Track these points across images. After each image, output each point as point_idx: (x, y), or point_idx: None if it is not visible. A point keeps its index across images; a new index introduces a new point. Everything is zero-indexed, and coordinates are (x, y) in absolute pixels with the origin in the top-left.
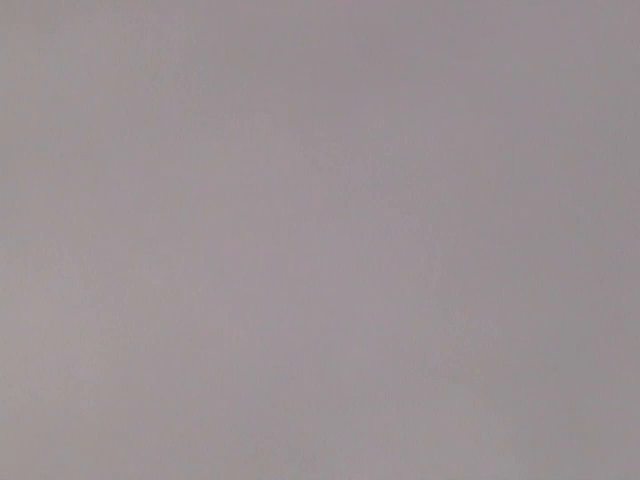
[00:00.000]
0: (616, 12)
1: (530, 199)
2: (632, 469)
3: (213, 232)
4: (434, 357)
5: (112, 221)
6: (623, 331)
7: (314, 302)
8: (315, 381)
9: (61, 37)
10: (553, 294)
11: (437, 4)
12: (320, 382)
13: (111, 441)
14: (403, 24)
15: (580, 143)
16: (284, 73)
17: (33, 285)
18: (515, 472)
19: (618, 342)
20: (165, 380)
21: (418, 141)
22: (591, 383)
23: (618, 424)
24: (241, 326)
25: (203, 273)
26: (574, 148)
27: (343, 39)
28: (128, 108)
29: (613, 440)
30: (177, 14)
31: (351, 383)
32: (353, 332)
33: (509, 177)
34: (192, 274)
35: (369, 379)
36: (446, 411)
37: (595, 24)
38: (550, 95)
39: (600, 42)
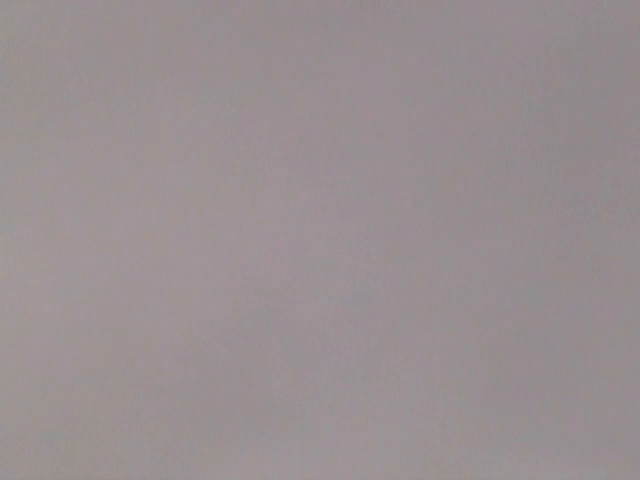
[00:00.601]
0: None
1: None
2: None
3: (178, 172)
4: (398, 306)
5: (72, 164)
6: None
7: (278, 250)
8: (278, 328)
9: None
10: (515, 240)
11: None
12: (283, 330)
13: (62, 378)
14: None
15: (563, 81)
16: (253, 11)
17: None
18: (474, 423)
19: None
20: (122, 324)
21: (394, 79)
22: (549, 332)
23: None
24: (203, 271)
25: (166, 216)
26: (555, 90)
27: None
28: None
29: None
30: None
31: (314, 331)
32: (318, 278)
33: (483, 130)
34: (154, 216)
35: (332, 329)
36: (408, 360)
37: None
38: (540, 31)
39: None
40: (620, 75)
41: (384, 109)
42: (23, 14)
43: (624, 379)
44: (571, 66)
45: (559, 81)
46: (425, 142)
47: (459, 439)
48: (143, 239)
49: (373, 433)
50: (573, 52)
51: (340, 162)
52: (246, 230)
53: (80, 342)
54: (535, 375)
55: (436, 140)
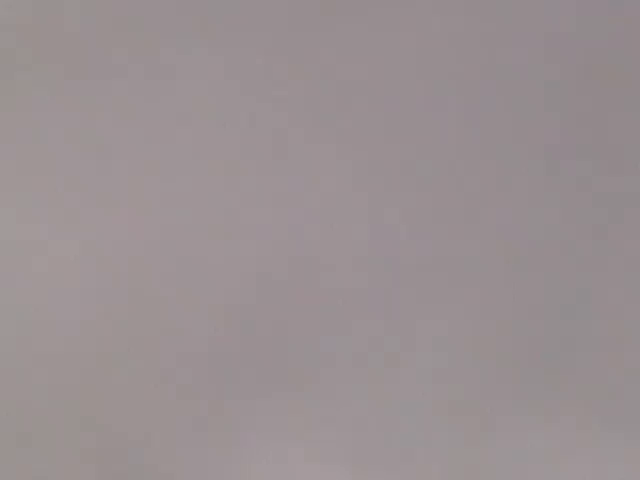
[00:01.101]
0: None
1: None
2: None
3: (198, 148)
4: (419, 275)
5: (94, 142)
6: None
7: (299, 219)
8: (301, 297)
9: None
10: (531, 215)
11: None
12: (307, 297)
13: (95, 360)
14: None
15: (569, 71)
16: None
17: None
18: (490, 391)
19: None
20: (153, 298)
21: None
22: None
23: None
24: (227, 243)
25: (188, 191)
26: (561, 83)
27: None
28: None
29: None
30: None
31: (337, 297)
32: (339, 247)
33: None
34: (176, 191)
35: (355, 296)
36: (430, 325)
37: None
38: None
39: None
40: (623, 72)
41: (397, 88)
42: None
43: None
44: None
45: (565, 72)
46: (438, 119)
47: (476, 407)
48: (168, 214)
49: (390, 401)
50: (578, 45)
51: (360, 131)
52: (267, 200)
53: (105, 313)
54: (549, 351)
55: (458, 120)
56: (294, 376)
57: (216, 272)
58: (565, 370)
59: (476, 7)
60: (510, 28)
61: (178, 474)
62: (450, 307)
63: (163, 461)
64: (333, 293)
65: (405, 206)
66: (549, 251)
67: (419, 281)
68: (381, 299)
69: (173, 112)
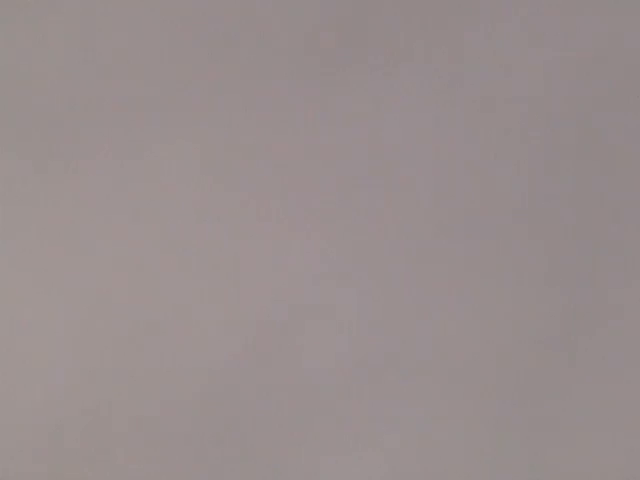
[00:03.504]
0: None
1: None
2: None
3: (183, 218)
4: (404, 351)
5: (80, 210)
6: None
7: (284, 292)
8: (283, 371)
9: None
10: (539, 297)
11: None
12: (289, 373)
13: (81, 424)
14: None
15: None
16: (264, 52)
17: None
18: (486, 462)
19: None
20: (132, 368)
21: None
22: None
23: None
24: (210, 314)
25: (173, 262)
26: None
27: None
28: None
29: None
30: None
31: (320, 375)
32: (321, 324)
33: (494, 160)
34: (161, 264)
35: (339, 371)
36: (415, 404)
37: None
38: (539, 85)
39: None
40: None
41: (387, 155)
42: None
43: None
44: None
45: (565, 134)
46: (427, 187)
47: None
48: (143, 282)
49: None
50: (577, 98)
51: (343, 205)
52: (250, 273)
53: (81, 380)
54: (543, 415)
55: (439, 184)
56: (275, 448)
57: (199, 340)
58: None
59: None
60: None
61: None
62: (437, 387)
63: None
64: (312, 373)
65: (392, 274)
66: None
67: (405, 361)
68: (364, 381)
69: (162, 171)
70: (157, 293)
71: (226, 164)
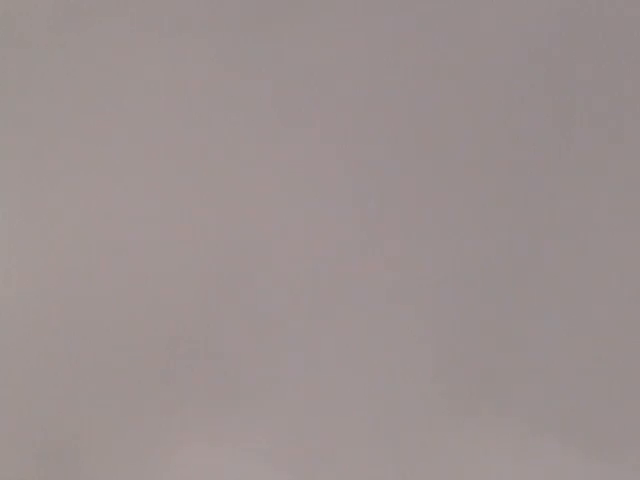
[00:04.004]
0: None
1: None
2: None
3: (151, 148)
4: (357, 275)
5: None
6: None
7: (241, 220)
8: (239, 297)
9: None
10: (476, 228)
11: None
12: (246, 300)
13: (31, 360)
14: None
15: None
16: None
17: None
18: (441, 391)
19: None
20: (90, 289)
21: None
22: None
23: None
24: (168, 240)
25: (133, 188)
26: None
27: None
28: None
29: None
30: None
31: (278, 302)
32: (282, 247)
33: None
34: (122, 188)
35: (297, 299)
36: (367, 324)
37: None
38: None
39: None
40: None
41: (353, 78)
42: None
43: (589, 353)
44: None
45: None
46: (394, 115)
47: (425, 408)
48: (109, 212)
49: (337, 403)
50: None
51: (310, 132)
52: (213, 200)
53: (42, 317)
54: (505, 344)
55: (406, 114)
56: (226, 380)
57: (154, 276)
58: (501, 377)
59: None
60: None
61: (107, 472)
62: (399, 309)
63: (95, 459)
64: (274, 297)
65: (356, 208)
66: (489, 259)
67: (367, 283)
68: (325, 304)
69: (133, 113)
70: (124, 218)
71: (195, 100)
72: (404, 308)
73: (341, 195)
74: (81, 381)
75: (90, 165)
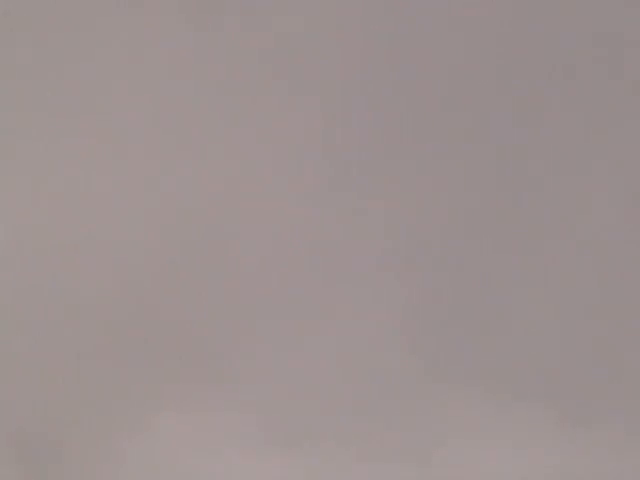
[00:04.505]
0: None
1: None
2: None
3: (126, 104)
4: (331, 244)
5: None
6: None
7: (217, 189)
8: (212, 262)
9: None
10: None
11: None
12: (217, 266)
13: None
14: None
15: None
16: None
17: None
18: (413, 358)
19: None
20: (66, 264)
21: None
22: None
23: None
24: (141, 205)
25: (110, 148)
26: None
27: None
28: None
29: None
30: None
31: (250, 268)
32: (254, 215)
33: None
34: (97, 148)
35: (265, 266)
36: (342, 294)
37: None
38: None
39: None
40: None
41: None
42: None
43: (561, 317)
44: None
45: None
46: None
47: (405, 376)
48: (85, 181)
49: (309, 373)
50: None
51: (288, 93)
52: (185, 165)
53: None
54: (476, 312)
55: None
56: (202, 356)
57: (129, 250)
58: (479, 344)
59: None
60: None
61: (83, 454)
62: (362, 284)
63: (70, 442)
64: (246, 263)
65: (324, 172)
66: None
67: (339, 251)
68: (297, 271)
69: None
70: (99, 189)
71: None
72: (380, 275)
73: (319, 160)
74: (56, 359)
75: (68, 130)
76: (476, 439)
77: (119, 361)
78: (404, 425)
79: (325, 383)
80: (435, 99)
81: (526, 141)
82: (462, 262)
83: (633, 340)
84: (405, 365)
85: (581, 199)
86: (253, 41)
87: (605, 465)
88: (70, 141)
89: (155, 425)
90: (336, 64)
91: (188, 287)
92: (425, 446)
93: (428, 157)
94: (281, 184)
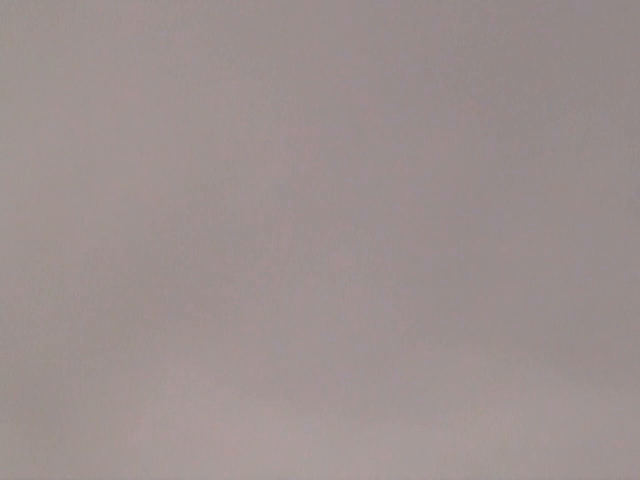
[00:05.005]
0: None
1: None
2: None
3: (118, 61)
4: (330, 196)
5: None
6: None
7: (220, 132)
8: (215, 203)
9: None
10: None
11: None
12: (220, 214)
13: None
14: None
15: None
16: None
17: None
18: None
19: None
20: (66, 210)
21: None
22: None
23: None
24: (145, 152)
25: (111, 98)
26: None
27: None
28: None
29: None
30: None
31: (252, 216)
32: (258, 161)
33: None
34: (103, 97)
35: (272, 214)
36: (337, 252)
37: None
38: None
39: None
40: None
41: None
42: None
43: (552, 268)
44: None
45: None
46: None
47: (395, 330)
48: (80, 125)
49: (310, 324)
50: None
51: (295, 44)
52: (188, 111)
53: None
54: (476, 263)
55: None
56: (203, 300)
57: (126, 187)
58: (474, 293)
59: None
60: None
61: (88, 398)
62: (360, 237)
63: (73, 386)
64: (248, 210)
65: (327, 125)
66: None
67: (339, 201)
68: (300, 220)
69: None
70: (100, 137)
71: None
72: (377, 228)
73: (321, 110)
74: (56, 304)
75: (65, 79)
76: (478, 396)
77: (120, 306)
78: (403, 383)
79: (323, 332)
80: (438, 56)
81: (527, 91)
82: (460, 213)
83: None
84: (404, 320)
85: (582, 150)
86: None
87: (610, 420)
88: (67, 90)
89: (157, 371)
90: (343, 13)
91: (190, 229)
92: (426, 404)
93: (429, 109)
94: (284, 130)
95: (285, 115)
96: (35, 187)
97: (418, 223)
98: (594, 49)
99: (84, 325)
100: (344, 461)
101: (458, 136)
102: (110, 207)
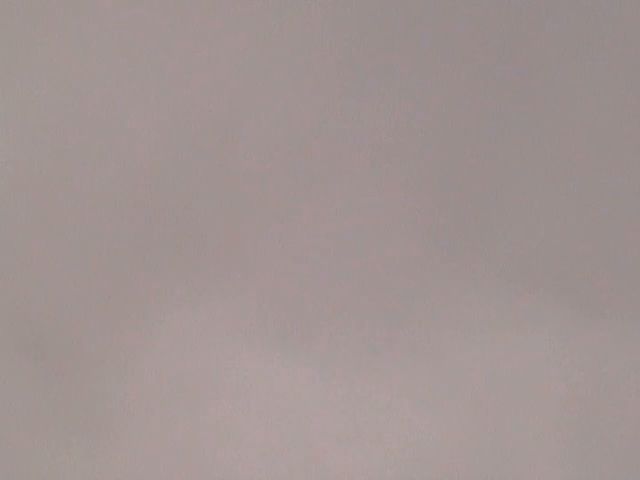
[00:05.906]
0: None
1: None
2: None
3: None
4: (335, 130)
5: None
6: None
7: (223, 80)
8: (218, 147)
9: None
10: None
11: None
12: (223, 148)
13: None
14: None
15: None
16: None
17: None
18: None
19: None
20: (61, 160)
21: None
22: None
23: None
24: (147, 102)
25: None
26: None
27: None
28: None
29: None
30: None
31: (252, 152)
32: (261, 113)
33: None
34: (101, 50)
35: (269, 150)
36: (345, 188)
37: None
38: None
39: None
40: None
41: None
42: None
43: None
44: None
45: None
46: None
47: (406, 266)
48: (82, 60)
49: (314, 269)
50: None
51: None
52: (190, 61)
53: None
54: (485, 195)
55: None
56: (207, 245)
57: (134, 139)
58: (487, 229)
59: None
60: None
61: (88, 347)
62: (367, 184)
63: (77, 337)
64: (247, 151)
65: (331, 73)
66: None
67: (343, 148)
68: (304, 166)
69: None
70: (105, 80)
71: None
72: (387, 167)
73: (326, 55)
74: (61, 252)
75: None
76: (486, 332)
77: (125, 253)
78: (414, 320)
79: (333, 274)
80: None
81: (534, 24)
82: (469, 143)
83: None
84: (415, 255)
85: (585, 79)
86: None
87: (625, 359)
88: (68, 28)
89: (163, 319)
90: None
91: (194, 172)
92: (437, 341)
93: (432, 45)
94: (288, 67)
95: (288, 55)
96: (36, 128)
97: (428, 154)
98: None
99: (88, 269)
100: (354, 399)
101: (465, 70)
102: (112, 150)
